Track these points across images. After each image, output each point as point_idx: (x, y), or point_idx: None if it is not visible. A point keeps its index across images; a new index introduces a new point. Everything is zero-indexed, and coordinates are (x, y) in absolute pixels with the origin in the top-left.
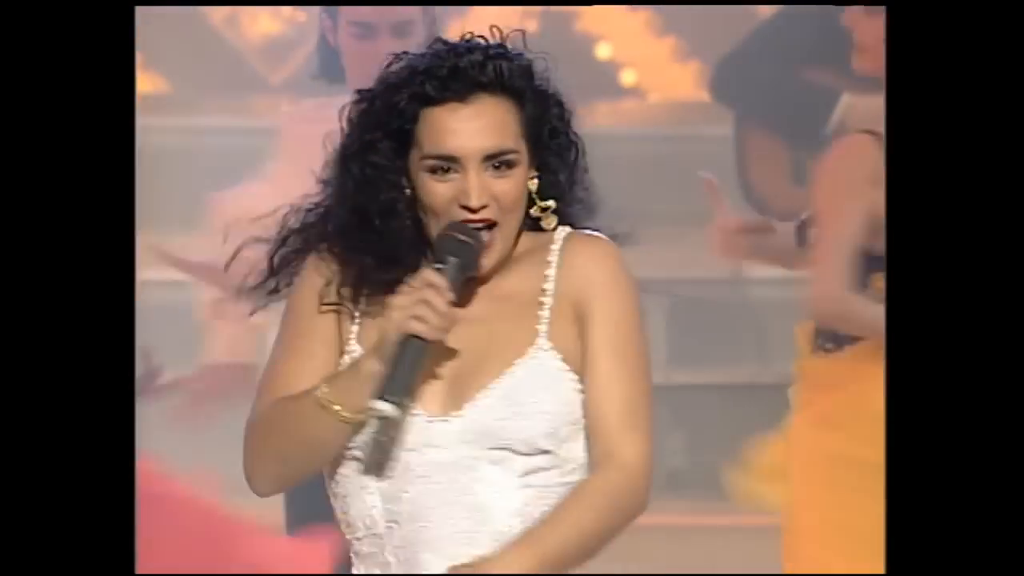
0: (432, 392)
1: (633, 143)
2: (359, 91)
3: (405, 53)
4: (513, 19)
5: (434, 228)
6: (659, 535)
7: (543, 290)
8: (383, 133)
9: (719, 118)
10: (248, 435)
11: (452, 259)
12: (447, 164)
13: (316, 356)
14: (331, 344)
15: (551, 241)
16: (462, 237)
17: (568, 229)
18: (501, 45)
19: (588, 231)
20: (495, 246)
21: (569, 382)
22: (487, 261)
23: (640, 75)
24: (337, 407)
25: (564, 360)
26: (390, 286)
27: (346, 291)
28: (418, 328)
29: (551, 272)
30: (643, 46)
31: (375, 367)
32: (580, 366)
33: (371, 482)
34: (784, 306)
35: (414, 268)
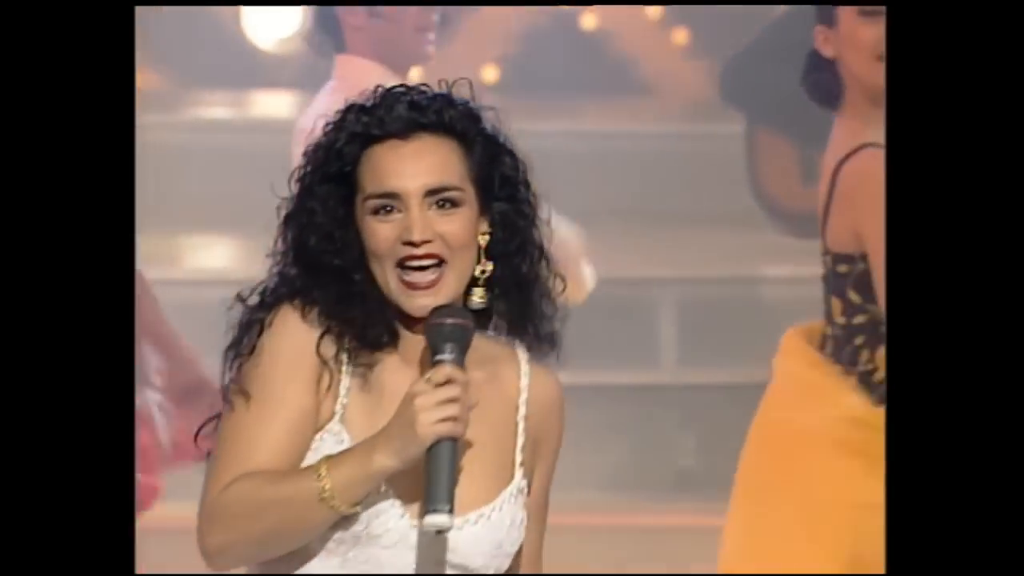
0: (418, 495)
1: (644, 141)
2: (305, 152)
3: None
4: (525, 17)
5: (383, 276)
6: (669, 535)
7: (516, 422)
8: (327, 179)
9: (731, 116)
10: (217, 511)
11: (451, 345)
12: (389, 203)
13: (292, 424)
14: (310, 416)
15: (515, 357)
16: (453, 320)
17: (524, 352)
18: (446, 92)
19: (544, 367)
20: (445, 283)
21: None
22: (436, 299)
23: (651, 73)
24: (337, 502)
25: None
26: (380, 346)
27: (330, 354)
28: (454, 430)
29: (523, 399)
30: (655, 44)
31: (387, 463)
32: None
33: (336, 573)
34: (795, 306)
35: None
